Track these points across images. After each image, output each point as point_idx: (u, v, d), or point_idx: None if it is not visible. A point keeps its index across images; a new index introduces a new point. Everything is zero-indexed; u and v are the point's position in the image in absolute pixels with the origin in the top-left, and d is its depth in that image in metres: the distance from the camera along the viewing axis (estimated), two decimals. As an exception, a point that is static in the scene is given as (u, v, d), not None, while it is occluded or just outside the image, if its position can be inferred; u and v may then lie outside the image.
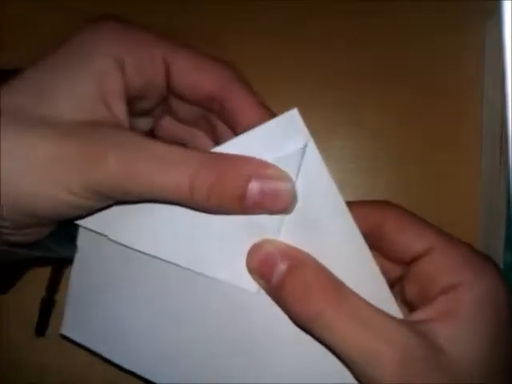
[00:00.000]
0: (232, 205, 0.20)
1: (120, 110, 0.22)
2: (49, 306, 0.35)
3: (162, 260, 0.23)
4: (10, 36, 0.37)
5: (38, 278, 0.35)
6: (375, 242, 0.24)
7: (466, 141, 0.34)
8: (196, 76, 0.24)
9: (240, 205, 0.20)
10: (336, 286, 0.21)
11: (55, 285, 0.36)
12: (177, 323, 0.24)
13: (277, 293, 0.22)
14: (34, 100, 0.21)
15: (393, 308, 0.22)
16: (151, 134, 0.28)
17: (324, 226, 0.22)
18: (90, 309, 0.25)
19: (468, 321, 0.21)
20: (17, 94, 0.21)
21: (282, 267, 0.21)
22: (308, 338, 0.22)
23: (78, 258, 0.26)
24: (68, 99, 0.21)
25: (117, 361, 0.25)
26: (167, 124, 0.28)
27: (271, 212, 0.21)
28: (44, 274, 0.35)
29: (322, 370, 0.23)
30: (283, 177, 0.21)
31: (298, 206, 0.22)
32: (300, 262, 0.21)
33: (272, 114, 0.24)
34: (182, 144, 0.28)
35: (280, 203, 0.21)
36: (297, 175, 0.22)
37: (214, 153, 0.22)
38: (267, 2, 0.36)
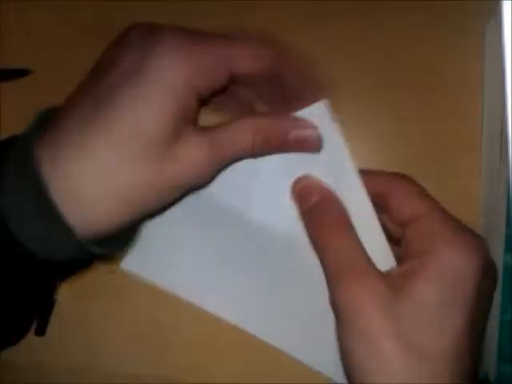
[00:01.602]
0: (279, 146, 0.28)
1: (195, 119, 0.26)
2: (49, 306, 0.36)
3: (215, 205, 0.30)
4: (10, 36, 0.37)
5: (37, 278, 0.35)
6: (384, 206, 0.28)
7: (466, 141, 0.34)
8: (255, 70, 0.27)
9: (284, 145, 0.28)
10: (348, 227, 0.28)
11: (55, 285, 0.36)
12: (222, 261, 0.31)
13: (306, 215, 0.29)
14: (125, 120, 0.23)
15: (388, 256, 0.28)
16: None
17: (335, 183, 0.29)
18: (152, 249, 0.31)
19: (424, 281, 0.25)
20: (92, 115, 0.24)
21: (315, 197, 0.29)
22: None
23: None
24: (149, 117, 0.24)
25: (172, 290, 0.31)
26: None
27: (305, 150, 0.29)
28: (44, 273, 0.35)
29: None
30: (310, 126, 0.29)
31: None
32: (329, 200, 0.28)
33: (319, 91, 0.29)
34: None
35: (310, 144, 0.29)
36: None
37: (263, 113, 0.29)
38: (268, 2, 0.36)
